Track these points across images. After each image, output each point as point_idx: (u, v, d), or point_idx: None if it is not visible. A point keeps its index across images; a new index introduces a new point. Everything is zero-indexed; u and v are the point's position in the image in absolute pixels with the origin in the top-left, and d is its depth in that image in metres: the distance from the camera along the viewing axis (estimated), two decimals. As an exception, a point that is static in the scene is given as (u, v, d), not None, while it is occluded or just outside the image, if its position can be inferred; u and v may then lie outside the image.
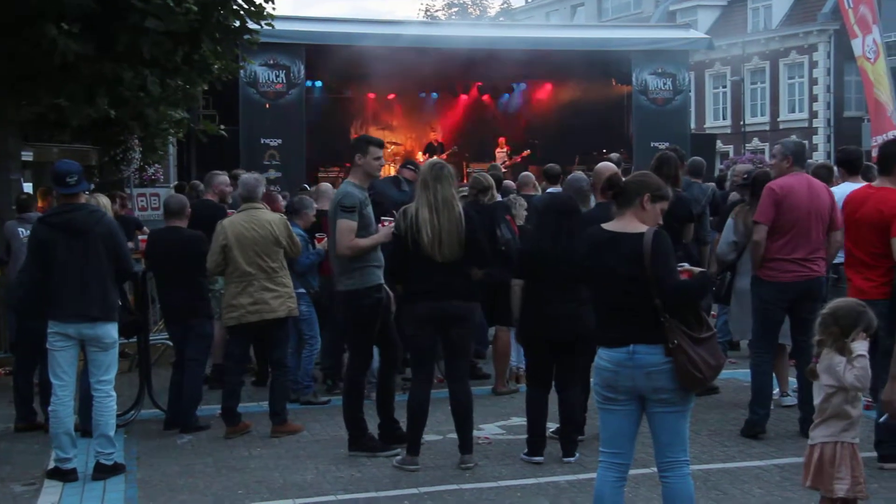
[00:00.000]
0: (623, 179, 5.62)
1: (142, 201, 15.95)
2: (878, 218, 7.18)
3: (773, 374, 8.78)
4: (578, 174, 9.82)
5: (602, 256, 5.32)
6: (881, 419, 5.82)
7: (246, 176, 9.39)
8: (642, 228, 5.26)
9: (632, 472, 5.55)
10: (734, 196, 10.67)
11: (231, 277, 8.72)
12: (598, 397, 5.39)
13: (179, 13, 10.87)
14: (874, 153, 18.91)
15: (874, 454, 7.14)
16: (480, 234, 7.62)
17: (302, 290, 9.64)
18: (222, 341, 9.97)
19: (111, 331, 7.60)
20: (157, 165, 16.90)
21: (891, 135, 18.96)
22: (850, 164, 9.37)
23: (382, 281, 7.93)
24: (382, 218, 8.14)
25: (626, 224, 5.33)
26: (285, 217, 9.14)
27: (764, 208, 8.19)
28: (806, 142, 9.31)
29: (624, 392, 5.25)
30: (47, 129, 14.22)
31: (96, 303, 7.50)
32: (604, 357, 5.31)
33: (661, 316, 5.13)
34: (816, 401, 5.53)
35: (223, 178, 11.13)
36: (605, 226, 5.41)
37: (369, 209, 7.91)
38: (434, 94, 26.17)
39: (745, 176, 11.19)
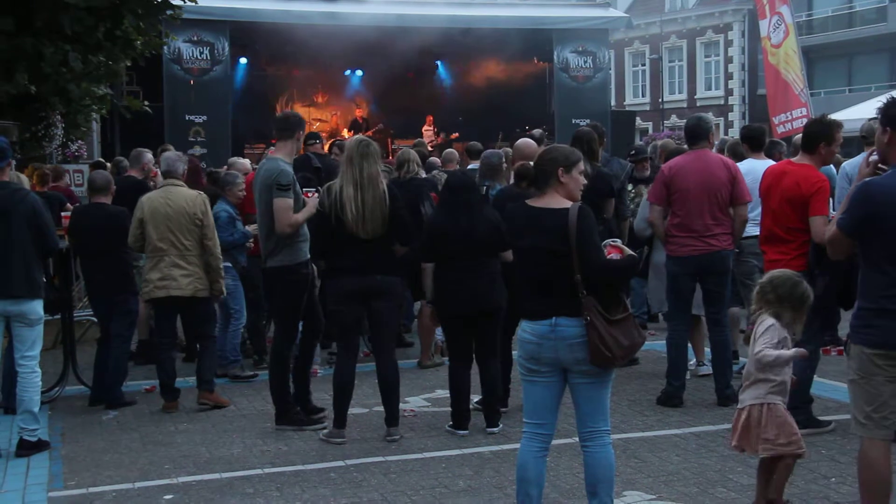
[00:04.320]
0: (531, 164, 5.70)
1: (65, 177, 15.74)
2: (796, 193, 7.26)
3: (690, 345, 9.03)
4: (491, 150, 9.93)
5: (526, 231, 5.40)
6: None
7: (167, 153, 9.36)
8: (566, 204, 5.33)
9: (554, 442, 5.62)
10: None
11: (147, 252, 8.74)
12: (522, 369, 5.46)
13: (100, -12, 10.77)
14: (779, 129, 19.41)
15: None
16: (404, 211, 7.66)
17: (227, 264, 9.65)
18: (147, 317, 9.95)
19: (36, 307, 7.56)
20: (80, 142, 16.66)
21: (796, 112, 19.52)
22: (752, 140, 9.58)
23: (309, 256, 7.99)
24: (305, 189, 8.17)
25: (549, 200, 5.39)
26: (204, 195, 9.08)
27: (655, 189, 8.48)
28: (710, 115, 9.58)
29: (547, 364, 5.32)
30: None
31: (20, 281, 7.44)
32: (527, 330, 5.37)
33: (579, 292, 5.22)
34: (748, 366, 5.69)
35: (149, 155, 11.11)
36: (530, 202, 5.47)
37: (297, 185, 7.97)
38: (359, 70, 26.11)
39: (632, 152, 11.49)
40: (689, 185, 8.24)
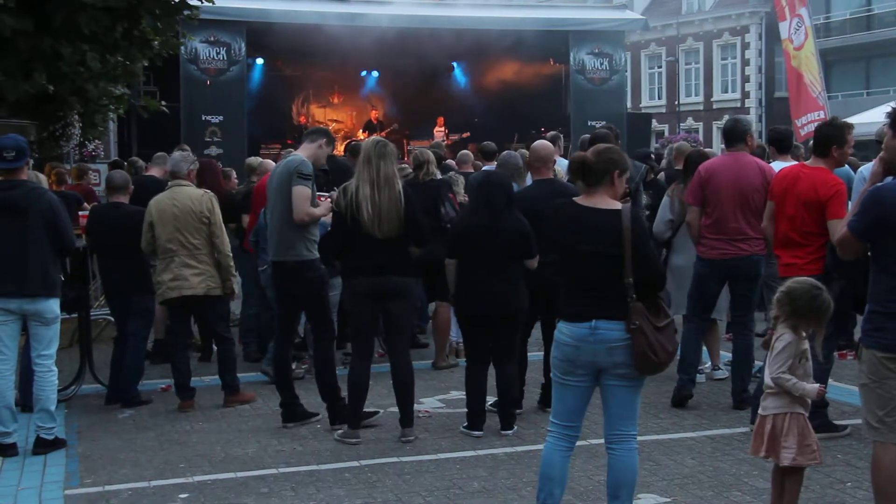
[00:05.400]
0: (590, 159, 5.64)
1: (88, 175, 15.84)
2: (813, 198, 7.20)
3: (704, 347, 9.00)
4: (512, 151, 9.91)
5: (575, 231, 5.33)
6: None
7: (174, 153, 9.36)
8: (616, 205, 5.31)
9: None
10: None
11: (158, 254, 8.75)
12: (556, 371, 5.39)
13: (118, -11, 10.83)
14: (802, 132, 19.37)
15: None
16: (419, 213, 7.66)
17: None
18: (164, 316, 9.97)
19: (53, 306, 7.58)
20: (97, 141, 16.77)
21: (812, 116, 19.48)
22: (779, 142, 9.53)
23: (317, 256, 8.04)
24: (318, 192, 8.20)
25: (598, 200, 5.34)
26: (211, 193, 8.99)
27: (691, 189, 8.44)
28: (747, 117, 9.61)
29: (583, 367, 5.27)
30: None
31: (37, 279, 7.45)
32: (565, 332, 5.31)
33: (629, 296, 5.17)
34: (766, 378, 5.60)
35: None
36: (579, 200, 5.42)
37: (314, 185, 8.01)
38: (375, 72, 26.15)
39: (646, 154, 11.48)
40: (721, 187, 8.18)
